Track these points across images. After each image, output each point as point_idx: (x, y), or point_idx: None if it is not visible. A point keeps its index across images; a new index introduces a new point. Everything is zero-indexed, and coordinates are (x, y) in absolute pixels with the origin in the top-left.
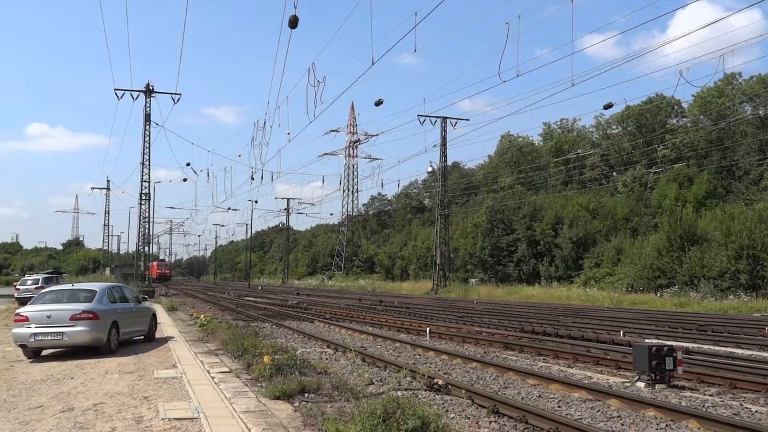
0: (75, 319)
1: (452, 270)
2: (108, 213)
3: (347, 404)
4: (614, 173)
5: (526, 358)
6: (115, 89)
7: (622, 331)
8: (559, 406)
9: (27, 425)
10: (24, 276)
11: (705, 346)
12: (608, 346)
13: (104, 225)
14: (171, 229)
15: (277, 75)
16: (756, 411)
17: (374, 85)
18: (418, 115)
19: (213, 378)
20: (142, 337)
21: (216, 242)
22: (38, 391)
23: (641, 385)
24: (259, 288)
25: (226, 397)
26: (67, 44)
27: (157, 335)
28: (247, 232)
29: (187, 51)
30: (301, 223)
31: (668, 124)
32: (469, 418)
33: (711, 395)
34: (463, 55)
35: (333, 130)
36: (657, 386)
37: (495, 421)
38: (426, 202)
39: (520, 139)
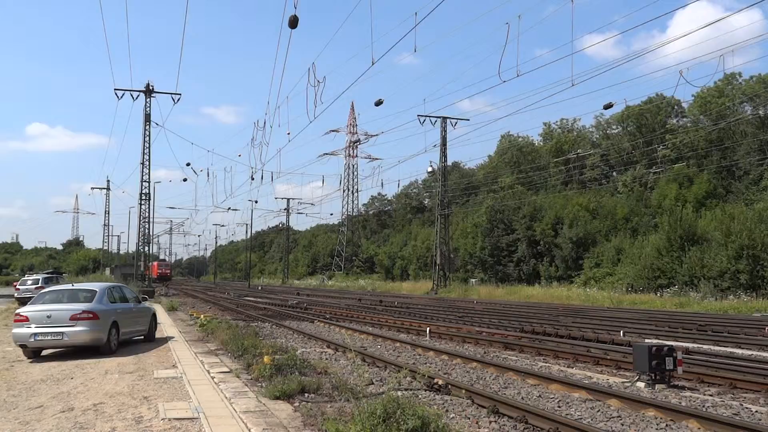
0: (75, 319)
1: (452, 270)
2: (108, 213)
3: (347, 404)
4: (614, 173)
5: (526, 358)
6: (115, 89)
7: (622, 331)
8: (559, 406)
9: (27, 425)
10: (24, 276)
11: (705, 346)
12: (608, 346)
13: (104, 225)
14: (171, 229)
15: (277, 75)
16: (756, 411)
17: (374, 85)
18: (418, 115)
19: (213, 378)
20: (142, 337)
21: (216, 242)
22: (38, 391)
23: (641, 385)
24: (259, 288)
25: (226, 397)
26: (67, 44)
27: (157, 335)
28: (247, 232)
29: (187, 51)
30: (301, 223)
31: (668, 124)
32: (469, 418)
33: (711, 395)
34: (463, 55)
35: (333, 130)
36: (657, 386)
37: (495, 421)
38: (426, 202)
39: (520, 139)
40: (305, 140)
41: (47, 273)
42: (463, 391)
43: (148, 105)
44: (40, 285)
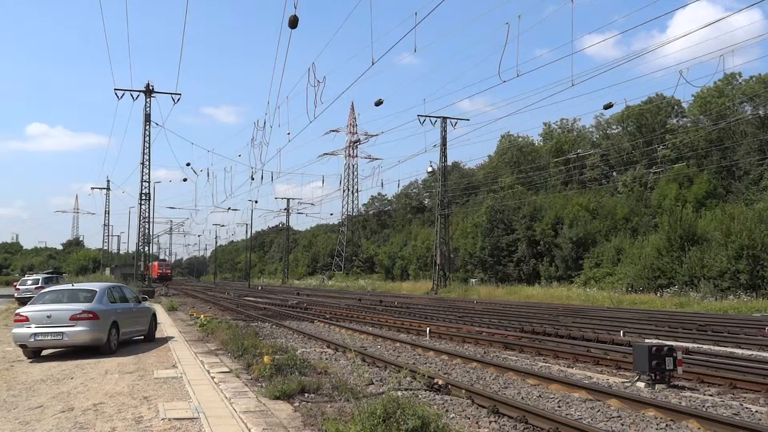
0: (75, 319)
1: (452, 270)
2: (108, 213)
3: (347, 404)
4: (614, 173)
5: (526, 358)
6: (115, 89)
7: (622, 331)
8: (559, 406)
9: (27, 425)
10: (24, 276)
11: (705, 346)
12: (608, 346)
13: (104, 225)
14: (171, 229)
15: (277, 75)
16: (756, 411)
17: (374, 85)
18: (418, 115)
19: (213, 378)
20: (142, 337)
21: (216, 242)
22: (38, 391)
23: (641, 385)
24: (259, 288)
25: (226, 397)
26: (67, 44)
27: (157, 335)
28: (247, 232)
29: (187, 51)
30: (301, 223)
31: (668, 124)
32: (469, 418)
33: (711, 395)
34: (463, 55)
35: (333, 130)
36: (657, 386)
37: (495, 421)
38: (426, 202)
39: (520, 139)
40: (305, 140)
41: (47, 273)
42: (463, 391)
43: (148, 105)
44: (40, 285)
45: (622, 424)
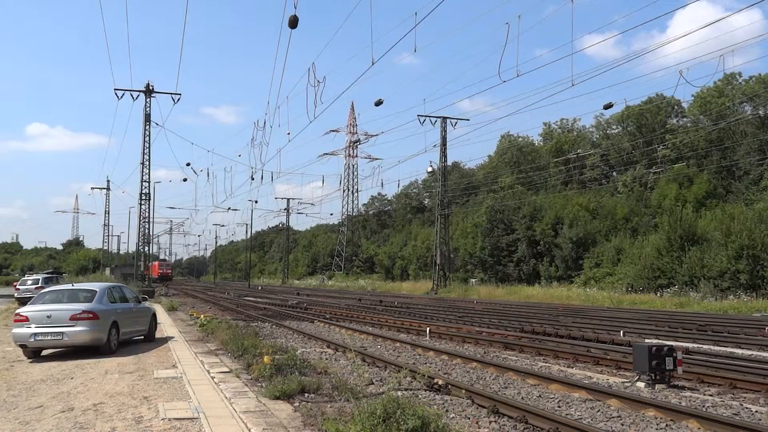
0: (75, 319)
1: (452, 270)
2: (108, 213)
3: (347, 404)
4: (614, 173)
5: (526, 358)
6: (115, 89)
7: (622, 331)
8: (559, 406)
9: (27, 425)
10: (24, 276)
11: (705, 346)
12: (608, 346)
13: (104, 225)
14: (171, 229)
15: (277, 75)
16: (756, 411)
17: (374, 85)
18: (418, 115)
19: (213, 378)
20: (142, 337)
21: (216, 242)
22: (38, 391)
23: (641, 385)
24: (259, 288)
25: (226, 397)
26: (67, 44)
27: (157, 335)
28: (247, 232)
29: (187, 51)
30: (301, 223)
31: (668, 124)
32: (469, 418)
33: (711, 395)
34: (463, 55)
35: (333, 130)
36: (657, 386)
37: (495, 421)
38: (426, 202)
39: (520, 139)
40: (305, 140)
41: (47, 273)
42: (463, 391)
43: (148, 105)
44: (40, 285)
45: (622, 424)
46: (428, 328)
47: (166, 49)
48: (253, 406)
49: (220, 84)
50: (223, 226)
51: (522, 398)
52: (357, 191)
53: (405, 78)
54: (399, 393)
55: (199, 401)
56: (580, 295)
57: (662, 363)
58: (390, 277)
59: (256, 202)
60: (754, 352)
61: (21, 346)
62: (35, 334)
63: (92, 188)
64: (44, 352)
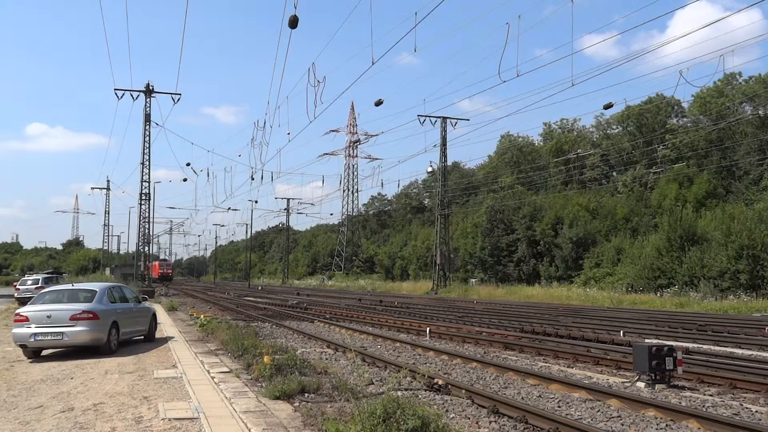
0: (75, 319)
1: (452, 270)
2: (108, 213)
3: (347, 404)
4: (614, 173)
5: (526, 358)
6: (115, 89)
7: (622, 331)
8: (559, 406)
9: (27, 425)
10: (24, 276)
11: (705, 346)
12: (608, 346)
13: (104, 225)
14: (171, 229)
15: (277, 75)
16: (756, 411)
17: (374, 85)
18: (418, 115)
19: (213, 378)
20: (142, 337)
21: (216, 242)
22: (38, 391)
23: (641, 385)
24: (259, 288)
25: (226, 397)
26: (67, 44)
27: (157, 335)
28: (247, 232)
29: (187, 51)
30: (301, 223)
31: (668, 124)
32: (469, 418)
33: (711, 395)
34: (463, 55)
35: (333, 130)
36: (657, 386)
37: (495, 421)
38: (426, 202)
39: (520, 139)
40: (305, 140)
41: (47, 273)
42: (463, 391)
43: (148, 105)
44: (40, 285)
45: (622, 424)
46: (428, 328)
47: (166, 49)
48: (253, 406)
49: (220, 84)
50: (223, 226)
51: (522, 398)
52: (357, 191)
53: (405, 78)
54: (399, 393)
55: (199, 401)
56: (580, 295)
57: (662, 363)
58: (390, 277)
59: (256, 202)
60: (754, 352)
61: (21, 346)
62: (35, 334)
63: (92, 188)
64: (44, 352)
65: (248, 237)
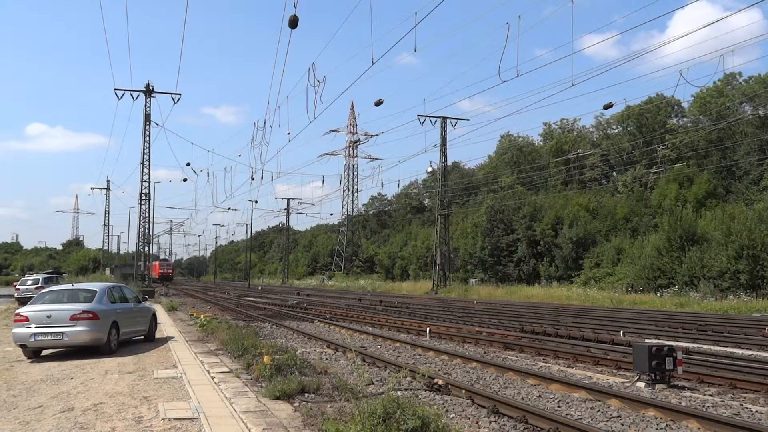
0: (75, 319)
1: (452, 270)
2: (108, 213)
3: (347, 404)
4: (614, 173)
5: (526, 358)
6: (115, 89)
7: (622, 331)
8: (559, 406)
9: (27, 425)
10: (24, 276)
11: (705, 346)
12: (608, 346)
13: (104, 225)
14: (171, 229)
15: (277, 75)
16: (756, 411)
17: (374, 85)
18: (418, 115)
19: (213, 378)
20: (142, 337)
21: (216, 242)
22: (38, 391)
23: (641, 385)
24: (259, 288)
25: (226, 397)
26: (67, 44)
27: (157, 335)
28: (247, 232)
29: (187, 51)
30: (301, 223)
31: (668, 124)
32: (469, 418)
33: (711, 395)
34: (463, 55)
35: (333, 130)
36: (657, 386)
37: (495, 421)
38: (426, 202)
39: (520, 139)
40: (305, 140)
41: (47, 273)
42: (463, 391)
43: (148, 105)
44: (40, 285)
45: (622, 424)
46: (428, 328)
47: (166, 49)
48: (253, 406)
49: (220, 84)
50: (223, 226)
51: (522, 398)
52: (357, 191)
53: (405, 78)
54: (399, 393)
55: (199, 401)
56: (580, 295)
57: (662, 363)
58: (390, 277)
59: (256, 202)
60: (754, 352)
61: (21, 346)
62: (35, 334)
63: (92, 188)
64: (44, 352)
65: (248, 237)
